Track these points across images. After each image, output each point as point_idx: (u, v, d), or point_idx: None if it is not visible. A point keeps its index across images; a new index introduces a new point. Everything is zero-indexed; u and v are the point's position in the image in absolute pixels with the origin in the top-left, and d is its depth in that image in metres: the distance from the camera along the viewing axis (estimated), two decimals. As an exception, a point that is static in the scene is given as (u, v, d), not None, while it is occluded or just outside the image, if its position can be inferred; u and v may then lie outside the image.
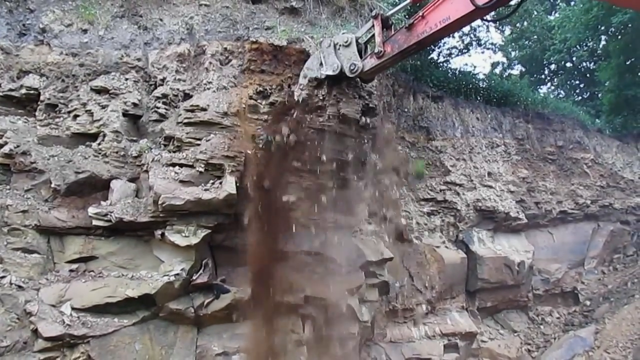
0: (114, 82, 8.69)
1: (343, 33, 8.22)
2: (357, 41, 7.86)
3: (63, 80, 8.61)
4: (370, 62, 7.71)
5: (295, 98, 8.42)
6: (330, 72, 7.94)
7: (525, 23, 27.04)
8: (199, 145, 8.31)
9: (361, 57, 7.83)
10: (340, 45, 7.90)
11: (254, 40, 8.90)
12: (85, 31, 8.97)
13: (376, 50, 7.57)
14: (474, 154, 15.27)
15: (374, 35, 7.81)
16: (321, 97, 8.31)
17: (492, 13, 7.46)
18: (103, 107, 8.57)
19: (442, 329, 13.32)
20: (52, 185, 8.05)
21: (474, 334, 13.88)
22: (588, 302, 16.53)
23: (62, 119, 8.55)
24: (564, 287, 17.05)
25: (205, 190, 8.04)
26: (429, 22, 6.97)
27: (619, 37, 20.86)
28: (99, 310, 7.59)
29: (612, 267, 18.21)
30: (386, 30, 7.67)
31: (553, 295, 16.87)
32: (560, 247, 17.56)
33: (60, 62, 8.63)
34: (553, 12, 28.36)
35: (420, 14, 7.06)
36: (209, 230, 8.18)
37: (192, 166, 8.21)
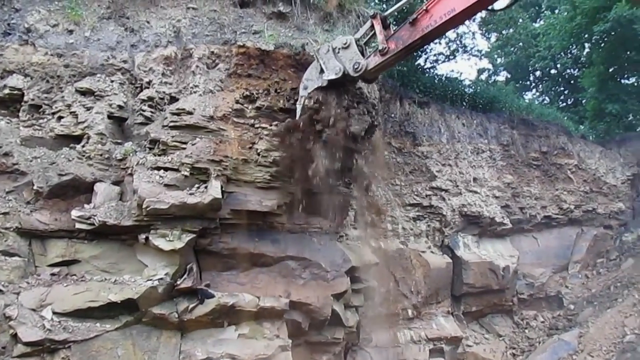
0: (99, 84, 8.61)
1: (340, 36, 8.14)
2: (356, 42, 7.80)
3: (47, 81, 8.51)
4: (375, 60, 7.63)
5: (297, 112, 8.29)
6: (333, 76, 7.82)
7: (511, 30, 27.34)
8: (184, 149, 8.26)
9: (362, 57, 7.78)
10: (339, 49, 7.82)
11: (241, 44, 8.87)
12: (71, 32, 8.88)
13: (380, 48, 7.49)
14: (460, 159, 15.35)
15: (372, 36, 7.78)
16: (332, 113, 8.16)
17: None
18: (88, 109, 8.47)
19: (428, 333, 13.34)
20: (35, 187, 7.94)
21: (459, 339, 13.92)
22: (572, 306, 16.66)
23: (45, 120, 8.44)
24: (549, 291, 17.19)
25: (190, 194, 7.98)
26: (434, 15, 6.94)
27: (602, 45, 21.16)
28: (80, 314, 7.46)
29: (596, 271, 18.38)
30: (385, 30, 7.62)
31: (537, 300, 16.99)
32: (545, 252, 17.72)
33: (45, 62, 8.53)
34: (538, 20, 28.71)
35: (424, 7, 7.03)
36: (194, 235, 8.13)
37: (177, 170, 8.15)
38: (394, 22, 10.07)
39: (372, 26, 7.72)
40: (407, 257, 13.39)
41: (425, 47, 15.07)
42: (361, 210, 12.05)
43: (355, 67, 7.68)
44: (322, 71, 8.00)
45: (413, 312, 13.31)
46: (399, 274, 13.08)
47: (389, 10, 7.95)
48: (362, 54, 7.80)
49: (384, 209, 13.05)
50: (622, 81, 23.02)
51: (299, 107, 8.24)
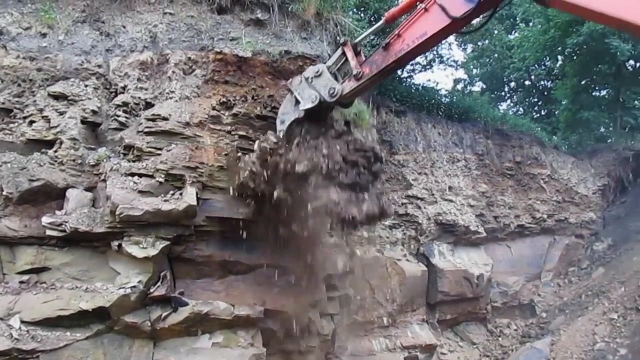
0: (73, 88, 8.47)
1: (311, 66, 8.15)
2: (328, 70, 7.82)
3: (19, 85, 8.33)
4: (350, 85, 7.64)
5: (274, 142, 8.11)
6: (309, 105, 7.77)
7: (487, 41, 27.83)
8: (159, 155, 8.18)
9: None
10: (312, 78, 7.83)
11: (219, 50, 8.85)
12: (44, 35, 8.71)
13: (354, 73, 7.52)
14: (436, 168, 15.50)
15: (343, 63, 7.81)
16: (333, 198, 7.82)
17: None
18: (61, 113, 8.32)
19: (403, 341, 13.39)
20: (4, 193, 7.73)
21: (434, 347, 14.01)
22: (544, 314, 16.90)
23: (16, 124, 8.26)
24: (522, 299, 17.40)
25: (165, 201, 7.89)
26: (406, 39, 6.99)
27: (574, 57, 21.67)
28: (50, 323, 7.29)
29: (567, 279, 18.67)
30: (357, 56, 7.67)
31: (511, 308, 17.18)
32: (518, 260, 17.96)
33: (17, 65, 8.35)
34: (513, 32, 29.27)
35: (396, 32, 7.08)
36: (168, 242, 8.01)
37: (151, 176, 8.05)
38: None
39: (343, 53, 7.77)
40: (383, 265, 13.44)
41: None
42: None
43: (331, 92, 7.67)
44: (297, 103, 7.98)
45: (388, 320, 13.34)
46: (375, 282, 13.11)
47: (359, 38, 7.97)
48: (336, 80, 7.82)
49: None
50: (594, 94, 23.57)
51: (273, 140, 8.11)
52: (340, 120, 8.62)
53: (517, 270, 17.74)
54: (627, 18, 4.59)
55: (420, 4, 6.86)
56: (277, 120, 8.29)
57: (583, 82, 22.36)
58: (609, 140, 24.20)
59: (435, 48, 22.24)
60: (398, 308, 13.53)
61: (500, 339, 16.07)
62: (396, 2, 15.12)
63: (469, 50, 30.32)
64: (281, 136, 8.08)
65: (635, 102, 22.46)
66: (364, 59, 7.62)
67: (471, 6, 6.26)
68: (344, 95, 7.72)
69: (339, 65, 7.93)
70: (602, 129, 25.98)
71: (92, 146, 8.48)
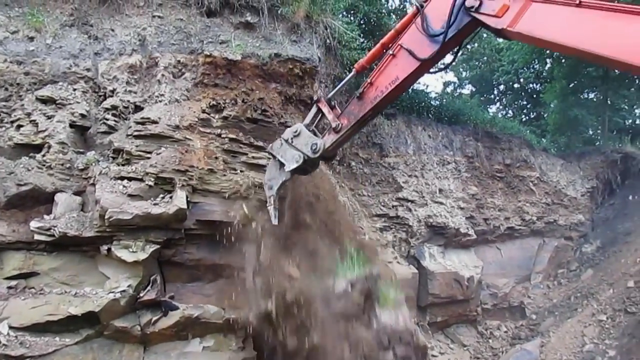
0: (61, 92, 8.42)
1: (288, 128, 8.12)
2: (306, 128, 7.80)
3: (6, 89, 8.27)
4: (330, 138, 7.60)
5: (272, 216, 8.04)
6: (294, 165, 7.74)
7: (476, 45, 27.99)
8: (149, 158, 8.15)
9: None
10: (291, 138, 7.79)
11: (208, 53, 8.85)
12: (32, 39, 8.65)
13: (333, 126, 7.49)
14: (426, 170, 15.57)
15: (320, 118, 7.82)
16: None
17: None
18: (49, 117, 8.27)
19: (394, 344, 13.38)
20: (-8, 198, 7.70)
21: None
22: (534, 316, 17.01)
23: (4, 129, 8.18)
24: (512, 301, 17.51)
25: (155, 204, 7.86)
26: (379, 87, 6.99)
27: (563, 61, 21.87)
28: (39, 329, 7.22)
29: (557, 281, 18.82)
30: (332, 109, 7.66)
31: (501, 310, 17.28)
32: (508, 262, 18.06)
33: (4, 70, 8.27)
34: (502, 35, 29.46)
35: (369, 81, 7.10)
36: (158, 246, 7.99)
37: (141, 180, 8.02)
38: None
39: (319, 110, 7.78)
40: (374, 268, 13.41)
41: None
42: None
43: (313, 148, 7.62)
44: (281, 166, 7.95)
45: (380, 322, 13.31)
46: (366, 285, 13.09)
47: (331, 93, 7.93)
48: (315, 136, 7.81)
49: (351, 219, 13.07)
50: (582, 96, 23.80)
51: (271, 210, 8.04)
52: (358, 299, 8.19)
53: (507, 272, 17.84)
54: (584, 48, 4.62)
55: (388, 51, 6.90)
56: (264, 187, 8.24)
57: (571, 85, 22.59)
58: (597, 143, 24.46)
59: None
60: (389, 310, 13.51)
61: (490, 340, 16.14)
62: (385, 5, 15.21)
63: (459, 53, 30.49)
64: (272, 201, 8.00)
65: (623, 104, 22.72)
66: (339, 111, 7.61)
67: (436, 47, 6.27)
68: (326, 149, 7.65)
69: (316, 122, 7.92)
70: (591, 132, 26.27)
71: (81, 150, 8.44)
